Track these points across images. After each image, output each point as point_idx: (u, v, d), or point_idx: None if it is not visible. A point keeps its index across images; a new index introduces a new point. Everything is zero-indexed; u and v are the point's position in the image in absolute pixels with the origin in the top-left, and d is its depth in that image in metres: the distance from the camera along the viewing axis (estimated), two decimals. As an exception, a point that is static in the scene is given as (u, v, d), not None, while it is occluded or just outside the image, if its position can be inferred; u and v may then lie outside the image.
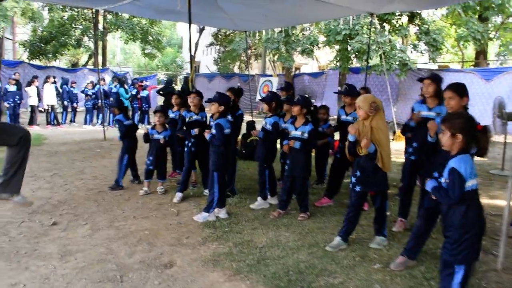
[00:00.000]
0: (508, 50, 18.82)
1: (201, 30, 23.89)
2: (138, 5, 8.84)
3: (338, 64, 15.42)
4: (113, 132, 12.69)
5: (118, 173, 6.41)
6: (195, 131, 5.65)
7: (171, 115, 7.05)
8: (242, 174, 7.31)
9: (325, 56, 22.42)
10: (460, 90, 3.71)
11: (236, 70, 26.18)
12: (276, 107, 5.47)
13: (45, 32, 20.60)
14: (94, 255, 3.96)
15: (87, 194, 6.08)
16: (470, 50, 19.81)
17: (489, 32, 14.34)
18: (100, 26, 21.30)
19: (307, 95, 15.51)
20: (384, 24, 14.20)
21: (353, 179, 4.19)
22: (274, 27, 11.42)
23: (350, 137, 4.09)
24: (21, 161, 3.91)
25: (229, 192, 5.96)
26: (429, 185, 2.99)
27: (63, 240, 4.32)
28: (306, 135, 4.91)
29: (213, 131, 4.96)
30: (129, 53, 41.42)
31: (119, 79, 15.06)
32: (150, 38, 22.46)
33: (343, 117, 5.58)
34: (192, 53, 23.43)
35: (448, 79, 14.76)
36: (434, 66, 18.41)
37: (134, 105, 14.67)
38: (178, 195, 5.74)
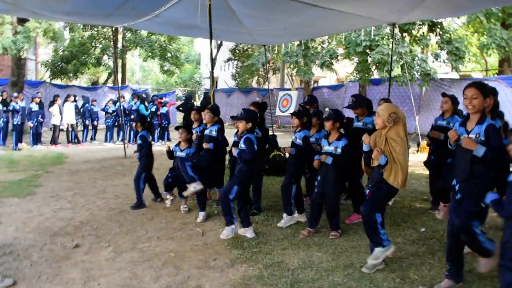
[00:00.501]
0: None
1: (218, 46, 23.96)
2: (158, 22, 8.81)
3: (358, 76, 15.15)
4: (134, 150, 12.68)
5: (137, 192, 6.27)
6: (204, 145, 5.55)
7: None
8: (267, 190, 7.10)
9: (344, 68, 22.19)
10: (484, 89, 3.35)
11: (254, 84, 26.13)
12: (307, 121, 5.28)
13: (66, 52, 20.92)
14: (119, 280, 3.79)
15: (109, 214, 5.94)
16: (493, 59, 19.34)
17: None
18: (120, 45, 21.53)
19: (327, 108, 15.31)
20: (404, 34, 13.93)
21: (367, 191, 3.96)
22: (293, 41, 11.30)
23: (364, 147, 3.89)
24: None
25: (255, 210, 5.77)
26: (490, 197, 3.00)
27: (86, 264, 4.16)
28: (339, 150, 4.69)
29: (242, 145, 4.78)
30: (148, 71, 41.86)
31: (139, 96, 15.06)
32: (169, 55, 22.61)
33: (355, 123, 5.48)
34: (211, 69, 23.29)
35: (473, 88, 14.39)
36: (455, 76, 18.03)
37: (154, 122, 14.63)
38: (201, 214, 5.55)
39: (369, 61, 14.52)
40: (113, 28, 11.27)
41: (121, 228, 5.27)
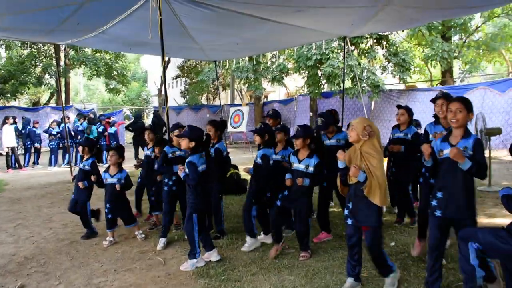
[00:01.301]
0: (474, 67, 19.30)
1: (166, 63, 23.52)
2: (104, 38, 8.36)
3: (309, 90, 15.25)
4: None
5: (85, 221, 5.75)
6: (179, 167, 5.12)
7: (146, 152, 6.56)
8: (227, 211, 6.77)
9: (293, 82, 22.41)
10: (469, 104, 3.34)
11: (204, 101, 25.80)
12: (269, 139, 5.05)
13: (2, 71, 19.63)
14: (73, 324, 3.36)
15: (58, 246, 5.42)
16: (435, 70, 20.22)
17: (454, 51, 14.58)
18: (62, 63, 20.56)
19: (283, 123, 15.29)
20: (352, 47, 14.23)
21: (346, 211, 3.77)
22: (245, 56, 11.16)
23: (340, 164, 3.70)
24: None
25: (218, 233, 5.46)
26: (502, 192, 3.03)
27: (34, 307, 3.70)
28: (311, 169, 4.48)
29: (186, 169, 4.45)
30: (93, 89, 40.42)
31: (86, 116, 14.35)
32: (115, 72, 21.84)
33: (327, 141, 5.26)
34: (159, 87, 22.96)
35: (419, 97, 14.91)
36: (401, 86, 18.65)
37: (102, 143, 13.94)
38: (162, 241, 5.17)
39: (319, 75, 14.66)
40: (55, 46, 10.66)
41: (72, 262, 4.79)
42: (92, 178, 5.50)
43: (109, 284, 4.12)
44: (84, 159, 5.78)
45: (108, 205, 5.40)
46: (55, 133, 13.56)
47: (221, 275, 4.20)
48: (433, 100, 4.45)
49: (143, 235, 5.57)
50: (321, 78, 14.54)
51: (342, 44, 13.81)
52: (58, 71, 12.99)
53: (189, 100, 23.37)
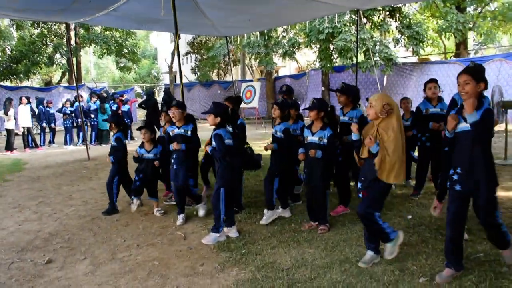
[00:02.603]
0: (489, 39, 18.91)
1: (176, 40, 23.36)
2: (116, 16, 8.36)
3: (321, 64, 15.10)
4: (96, 151, 12.13)
5: (110, 196, 5.89)
6: (173, 146, 5.17)
7: (162, 133, 6.59)
8: (243, 186, 6.83)
9: (304, 57, 22.18)
10: (477, 74, 3.21)
11: (214, 77, 25.71)
12: (288, 114, 5.10)
13: (14, 52, 19.70)
14: (101, 296, 3.48)
15: (80, 222, 5.56)
16: (448, 42, 19.83)
17: (469, 22, 14.27)
18: (73, 42, 20.56)
19: (295, 98, 15.22)
20: (365, 20, 14.00)
21: (359, 185, 3.81)
22: (257, 31, 11.07)
23: (353, 136, 3.72)
24: None
25: (236, 207, 5.51)
26: None
27: (62, 281, 3.82)
28: (325, 140, 4.52)
29: (213, 143, 4.53)
30: (103, 68, 40.44)
31: (98, 95, 14.41)
32: (125, 50, 21.80)
33: (341, 118, 5.26)
34: (169, 64, 22.90)
35: (433, 71, 14.69)
36: (414, 59, 18.38)
37: (116, 121, 14.08)
38: (181, 216, 5.26)
39: (331, 49, 14.50)
40: (66, 25, 10.65)
41: (96, 237, 4.92)
42: (157, 163, 5.67)
43: (133, 259, 4.23)
44: (112, 135, 5.95)
45: (141, 175, 5.64)
46: (69, 112, 13.68)
47: (242, 248, 4.29)
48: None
49: (161, 211, 5.68)
50: (333, 52, 14.37)
51: (355, 17, 13.66)
52: (70, 50, 13.00)
53: (200, 76, 23.29)
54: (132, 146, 13.25)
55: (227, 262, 3.99)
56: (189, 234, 4.84)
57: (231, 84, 22.38)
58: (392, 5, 13.56)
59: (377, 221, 3.68)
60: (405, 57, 18.52)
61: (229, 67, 23.61)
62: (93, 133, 13.99)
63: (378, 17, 14.08)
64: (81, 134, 13.99)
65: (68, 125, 13.70)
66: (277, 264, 3.89)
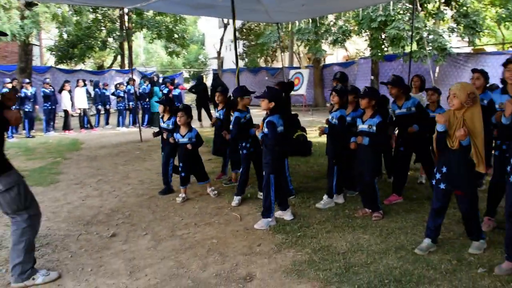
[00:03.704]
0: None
1: (225, 26, 23.53)
2: (172, 1, 8.55)
3: (372, 52, 14.82)
4: (148, 133, 12.49)
5: (165, 177, 6.09)
6: (256, 129, 5.27)
7: (216, 114, 6.68)
8: (294, 171, 6.91)
9: (353, 45, 21.80)
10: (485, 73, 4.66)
11: (262, 63, 25.75)
12: (346, 101, 5.11)
13: (72, 36, 20.55)
14: (165, 270, 3.66)
15: (138, 200, 5.81)
16: (508, 31, 18.91)
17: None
18: (125, 27, 21.16)
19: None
20: (419, 8, 13.59)
21: (438, 175, 3.76)
22: (310, 17, 10.98)
23: (439, 127, 3.64)
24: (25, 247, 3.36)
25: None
26: None
27: (127, 253, 4.04)
28: (374, 128, 4.52)
29: (265, 129, 4.56)
30: (152, 53, 41.34)
31: (150, 78, 14.81)
32: (176, 36, 22.20)
33: (397, 111, 5.21)
34: (218, 49, 23.07)
35: (489, 62, 14.09)
36: (467, 50, 17.69)
37: (166, 105, 14.45)
38: (237, 198, 5.41)
39: (383, 37, 14.20)
40: (122, 10, 10.98)
41: (155, 215, 5.14)
42: (189, 146, 5.58)
43: (192, 236, 4.40)
44: (166, 118, 6.02)
45: (181, 164, 5.69)
46: (123, 95, 14.15)
47: (297, 231, 4.38)
48: (505, 64, 4.19)
49: (215, 192, 5.84)
50: (385, 40, 14.06)
51: (409, 5, 13.30)
52: (128, 35, 13.40)
53: (249, 62, 23.38)
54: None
55: (283, 244, 4.09)
56: (244, 216, 4.98)
57: (279, 70, 22.38)
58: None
59: (479, 219, 3.77)
60: (458, 47, 17.86)
61: (276, 54, 23.57)
62: (146, 116, 14.40)
63: (434, 5, 13.61)
64: (131, 116, 14.49)
65: (121, 107, 14.20)
66: (333, 248, 3.95)
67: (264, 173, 4.66)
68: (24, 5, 13.64)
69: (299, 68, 19.70)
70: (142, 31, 22.45)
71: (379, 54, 14.55)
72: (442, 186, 3.73)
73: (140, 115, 14.55)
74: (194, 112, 7.91)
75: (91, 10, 19.22)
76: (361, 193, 4.87)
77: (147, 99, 14.01)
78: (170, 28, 21.43)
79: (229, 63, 27.43)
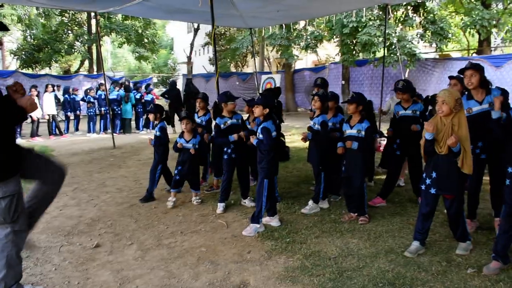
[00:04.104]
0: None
1: (195, 31, 23.39)
2: (148, 6, 8.42)
3: (343, 57, 15.06)
4: (120, 140, 12.26)
5: (150, 184, 6.00)
6: (234, 137, 5.27)
7: (197, 120, 6.64)
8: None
9: (323, 50, 22.10)
10: (480, 67, 4.12)
11: (232, 69, 25.75)
12: (327, 107, 5.17)
13: (37, 40, 19.89)
14: (156, 280, 3.58)
15: (119, 209, 5.67)
16: (472, 38, 19.59)
17: (494, 18, 14.09)
18: (94, 31, 20.72)
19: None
20: (391, 15, 13.93)
21: (428, 181, 3.84)
22: (284, 23, 11.03)
23: (428, 135, 3.71)
24: (46, 201, 3.48)
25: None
26: None
27: (114, 264, 3.93)
28: (363, 133, 4.60)
29: (260, 135, 4.58)
30: (119, 57, 40.67)
31: (122, 84, 14.54)
32: (146, 40, 21.89)
33: (402, 112, 5.29)
34: (188, 54, 22.88)
35: (456, 67, 14.54)
36: (433, 55, 18.22)
37: (138, 110, 14.21)
38: (221, 205, 5.35)
39: (354, 43, 14.45)
40: (87, 14, 10.67)
41: (138, 224, 5.02)
42: (192, 151, 5.69)
43: (179, 245, 4.32)
44: (155, 124, 6.14)
45: (180, 167, 5.71)
46: (93, 100, 13.82)
47: (286, 237, 4.38)
48: (461, 71, 4.31)
49: (199, 200, 5.77)
50: (357, 46, 14.31)
51: (380, 11, 13.62)
52: (99, 38, 13.05)
53: (219, 67, 23.33)
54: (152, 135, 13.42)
55: (273, 250, 4.08)
56: (230, 223, 4.93)
57: (250, 75, 22.44)
58: (418, 0, 13.49)
59: (465, 221, 3.87)
60: (426, 53, 18.38)
61: (247, 59, 23.59)
62: (117, 122, 14.11)
63: (403, 12, 13.98)
64: (102, 122, 14.16)
65: (91, 113, 13.85)
66: (323, 253, 3.97)
67: (258, 178, 4.68)
68: (-11, 6, 13.17)
69: (270, 73, 19.79)
70: (111, 35, 22.02)
71: (350, 59, 14.79)
72: (432, 191, 3.81)
73: (107, 121, 14.24)
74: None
75: (63, 14, 18.71)
76: (348, 197, 4.91)
77: (120, 105, 13.73)
78: (139, 32, 21.14)
79: (199, 68, 27.26)
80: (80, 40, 20.22)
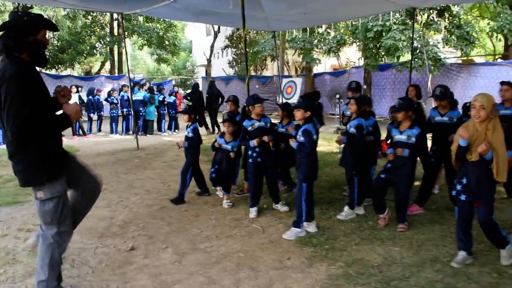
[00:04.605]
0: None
1: (215, 33, 23.42)
2: (175, 8, 8.41)
3: (366, 62, 14.91)
4: (143, 141, 12.27)
5: (182, 186, 5.95)
6: (254, 142, 5.18)
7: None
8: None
9: (344, 54, 21.95)
10: None
11: (252, 72, 25.72)
12: (364, 110, 5.07)
13: (62, 41, 20.13)
14: (196, 286, 3.50)
15: (150, 211, 5.62)
16: (500, 43, 19.23)
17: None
18: (115, 32, 20.86)
19: (338, 95, 15.03)
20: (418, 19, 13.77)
21: (459, 187, 3.72)
22: (309, 26, 10.99)
23: (462, 142, 3.59)
24: (81, 211, 3.47)
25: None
26: None
27: (151, 268, 3.86)
28: (413, 139, 4.47)
29: (301, 138, 4.50)
30: (138, 59, 40.94)
31: (143, 85, 14.59)
32: (166, 42, 21.97)
33: (438, 118, 5.14)
34: (208, 57, 22.95)
35: (482, 72, 14.31)
36: (454, 60, 17.95)
37: (161, 112, 14.24)
38: (253, 210, 5.26)
39: (378, 47, 14.30)
40: (110, 15, 10.69)
41: (171, 227, 4.96)
42: (232, 154, 5.73)
43: (216, 249, 4.25)
44: (188, 126, 6.11)
45: (216, 166, 5.75)
46: (116, 101, 13.89)
47: (325, 244, 4.28)
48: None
49: (230, 203, 5.70)
50: (381, 50, 14.15)
51: (404, 16, 13.45)
52: (120, 41, 13.15)
53: (240, 70, 23.27)
54: (176, 137, 13.44)
55: (314, 257, 3.98)
56: (266, 228, 4.84)
57: (270, 78, 22.38)
58: (443, 5, 13.28)
59: (498, 227, 3.70)
60: (448, 58, 18.13)
61: (266, 62, 23.53)
62: (140, 123, 14.14)
63: (429, 16, 13.79)
64: (124, 123, 14.20)
65: (114, 114, 13.92)
66: (365, 261, 3.86)
67: (297, 182, 4.59)
68: (20, 8, 13.28)
69: (290, 76, 19.68)
70: (133, 37, 22.16)
71: (373, 63, 14.63)
72: (462, 197, 3.70)
73: (130, 122, 14.30)
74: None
75: (88, 15, 18.90)
76: (379, 200, 4.77)
77: (145, 106, 13.74)
78: (160, 35, 21.22)
79: (219, 71, 27.28)
80: (102, 42, 20.33)
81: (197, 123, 6.10)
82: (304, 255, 4.05)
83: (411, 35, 12.32)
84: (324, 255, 4.02)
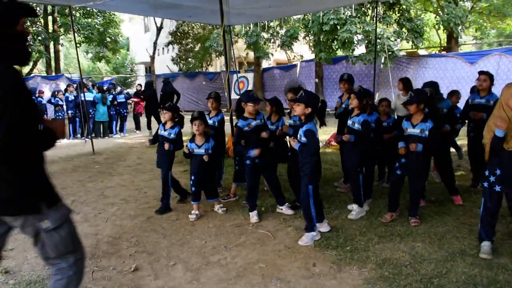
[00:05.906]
0: (484, 34, 19.33)
1: (158, 29, 22.51)
2: (133, 0, 7.86)
3: (320, 55, 14.94)
4: (96, 145, 11.44)
5: (166, 194, 5.44)
6: (255, 153, 4.84)
7: (209, 121, 6.09)
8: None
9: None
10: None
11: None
12: (366, 104, 4.87)
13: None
14: (227, 305, 3.15)
15: (136, 223, 5.10)
16: (443, 35, 20.13)
17: (466, 16, 14.51)
18: (50, 29, 19.38)
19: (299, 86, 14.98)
20: (369, 13, 14.00)
21: (492, 178, 3.67)
22: (270, 20, 10.76)
23: (500, 133, 3.51)
24: None
25: (298, 202, 5.25)
26: None
27: (168, 290, 3.44)
28: (426, 133, 4.34)
29: (303, 138, 4.19)
30: (70, 58, 38.64)
31: (98, 86, 13.71)
32: (108, 39, 20.74)
33: (477, 100, 5.54)
34: (151, 54, 22.10)
35: (431, 64, 14.87)
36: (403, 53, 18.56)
37: (111, 112, 13.40)
38: (253, 214, 4.94)
39: (332, 40, 14.38)
40: (44, 10, 9.79)
41: (169, 240, 4.49)
42: (206, 158, 5.06)
43: (231, 261, 3.88)
44: (168, 126, 5.40)
45: (193, 177, 5.12)
46: (61, 103, 12.88)
47: (345, 245, 4.07)
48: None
49: (224, 209, 5.33)
50: (336, 43, 14.21)
51: (360, 9, 13.63)
52: (56, 38, 12.12)
53: (190, 67, 22.43)
54: (127, 139, 12.73)
55: (340, 261, 3.75)
56: (274, 232, 4.54)
57: (217, 75, 21.92)
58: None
59: None
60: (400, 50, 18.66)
61: (211, 58, 22.96)
62: (90, 126, 13.24)
63: (381, 9, 14.07)
64: (71, 126, 13.22)
65: (60, 116, 12.89)
66: (394, 260, 3.70)
67: (301, 184, 4.30)
68: None
69: (238, 72, 19.37)
70: (69, 33, 20.69)
71: (328, 57, 14.70)
72: (497, 188, 3.65)
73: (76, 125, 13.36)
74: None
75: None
76: (395, 195, 4.65)
77: (95, 107, 12.87)
78: (101, 31, 19.98)
79: (164, 68, 26.28)
80: (38, 39, 18.66)
81: (179, 125, 5.47)
82: (328, 259, 3.81)
83: (366, 28, 12.56)
84: (349, 257, 3.81)
